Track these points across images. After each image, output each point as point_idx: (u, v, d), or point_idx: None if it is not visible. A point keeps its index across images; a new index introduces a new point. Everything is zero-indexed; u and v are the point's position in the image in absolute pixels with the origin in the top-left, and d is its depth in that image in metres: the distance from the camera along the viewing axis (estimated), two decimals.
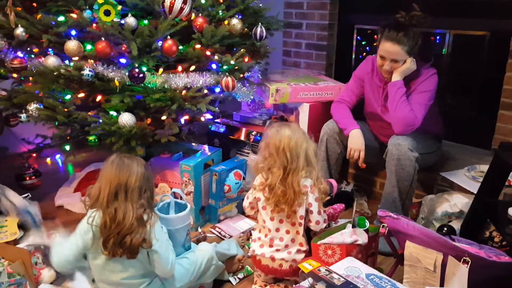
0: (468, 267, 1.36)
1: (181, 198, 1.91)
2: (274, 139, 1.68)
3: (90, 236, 1.47)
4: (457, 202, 2.13)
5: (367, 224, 1.72)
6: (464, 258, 1.38)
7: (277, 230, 1.72)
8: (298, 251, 1.72)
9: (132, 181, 1.47)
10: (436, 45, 2.82)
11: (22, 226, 2.15)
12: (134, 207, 1.46)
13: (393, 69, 2.11)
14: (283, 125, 1.72)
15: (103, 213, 1.46)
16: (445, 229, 1.99)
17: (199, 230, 2.21)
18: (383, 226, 1.67)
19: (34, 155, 2.50)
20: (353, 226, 1.70)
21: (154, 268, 1.54)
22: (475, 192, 1.93)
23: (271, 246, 1.74)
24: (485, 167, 1.97)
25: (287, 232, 1.72)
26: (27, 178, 2.33)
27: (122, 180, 1.47)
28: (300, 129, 1.73)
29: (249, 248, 2.07)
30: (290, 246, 1.72)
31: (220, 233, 2.22)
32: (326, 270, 1.45)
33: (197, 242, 2.10)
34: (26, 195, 2.19)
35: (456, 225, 2.02)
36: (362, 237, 1.65)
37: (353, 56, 3.22)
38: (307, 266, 1.50)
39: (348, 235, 1.65)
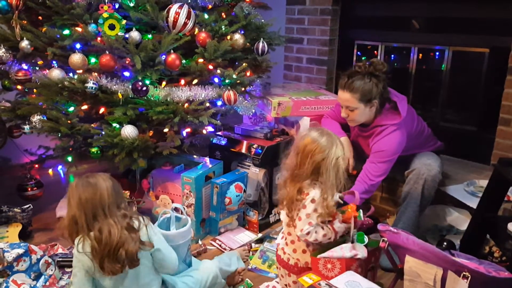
0: (467, 282, 1.36)
1: (181, 213, 1.92)
2: (297, 141, 1.68)
3: (89, 264, 1.44)
4: (446, 216, 2.15)
5: (366, 239, 1.71)
6: (464, 273, 1.38)
7: (288, 225, 1.73)
8: (304, 251, 1.72)
9: (105, 197, 1.45)
10: (435, 61, 2.85)
11: (23, 236, 2.16)
12: (116, 220, 1.45)
13: (350, 117, 2.09)
14: (314, 130, 1.68)
15: (88, 237, 1.43)
16: (445, 243, 2.00)
17: (200, 242, 2.22)
18: (383, 240, 1.68)
19: (36, 166, 2.51)
20: (352, 242, 1.70)
21: (161, 268, 1.56)
22: (475, 207, 1.94)
23: (285, 238, 1.76)
24: (484, 182, 1.98)
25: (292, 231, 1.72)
26: (29, 189, 2.34)
27: (95, 200, 1.44)
28: (327, 138, 1.64)
29: (250, 260, 2.08)
30: (295, 243, 1.72)
31: (220, 245, 2.22)
32: (326, 284, 1.45)
33: (197, 254, 2.11)
34: (27, 206, 2.20)
35: (455, 240, 2.03)
36: (361, 252, 1.65)
37: None
38: (308, 280, 1.50)
39: (348, 249, 1.65)
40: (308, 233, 1.63)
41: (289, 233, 1.74)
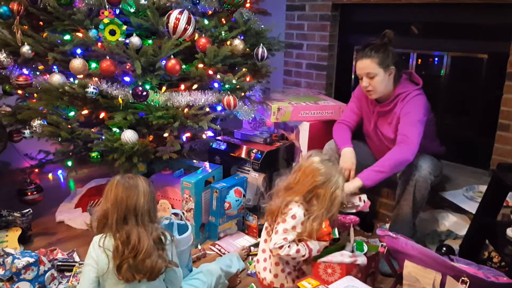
0: (466, 287, 1.37)
1: (181, 218, 1.92)
2: (302, 160, 1.72)
3: (105, 262, 1.42)
4: (445, 221, 2.14)
5: (365, 248, 1.71)
6: (463, 278, 1.38)
7: (265, 241, 1.73)
8: (264, 269, 1.73)
9: (141, 204, 1.44)
10: (434, 67, 2.87)
11: (22, 241, 2.16)
12: (148, 230, 1.43)
13: (371, 85, 2.11)
14: (322, 155, 1.72)
15: (114, 237, 1.42)
16: (444, 248, 2.00)
17: (199, 247, 2.22)
18: (382, 245, 1.68)
19: (36, 170, 2.52)
20: (352, 251, 1.70)
21: (171, 284, 1.54)
22: (474, 212, 1.95)
23: (260, 254, 1.77)
24: (483, 188, 1.99)
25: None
26: (29, 193, 2.34)
27: (130, 204, 1.43)
28: (333, 168, 1.66)
29: (250, 265, 2.09)
30: (266, 261, 1.73)
31: (220, 250, 2.22)
32: None
33: (197, 259, 2.11)
34: (27, 210, 2.20)
35: (454, 245, 2.04)
36: (361, 259, 1.66)
37: (353, 76, 3.26)
38: (307, 285, 1.50)
39: (348, 255, 1.66)
40: (281, 247, 1.60)
41: (263, 250, 1.74)
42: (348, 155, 2.18)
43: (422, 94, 2.13)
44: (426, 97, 2.15)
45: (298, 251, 1.61)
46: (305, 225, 1.62)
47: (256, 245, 2.26)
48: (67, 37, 2.06)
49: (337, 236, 1.69)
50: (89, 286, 1.46)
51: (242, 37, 2.37)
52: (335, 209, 1.66)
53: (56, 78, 2.06)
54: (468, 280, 1.37)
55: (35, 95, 2.21)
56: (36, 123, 2.16)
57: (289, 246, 1.60)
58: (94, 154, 2.12)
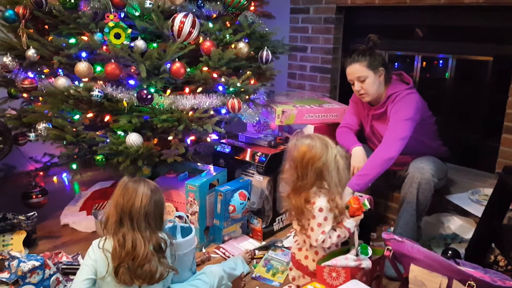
0: None
1: (185, 222, 1.92)
2: (291, 152, 1.71)
3: (104, 264, 1.43)
4: (450, 225, 2.13)
5: (370, 252, 1.71)
6: (469, 282, 1.38)
7: (301, 232, 1.76)
8: (313, 260, 1.74)
9: (136, 208, 1.42)
10: (439, 69, 2.86)
11: (27, 244, 2.17)
12: (145, 236, 1.43)
13: (363, 89, 2.17)
14: (304, 138, 1.71)
15: (112, 239, 1.43)
16: (450, 252, 1.99)
17: (203, 250, 2.21)
18: (388, 249, 1.67)
19: (41, 173, 2.53)
20: (356, 255, 1.70)
21: (167, 282, 1.56)
22: (479, 216, 1.94)
23: (298, 244, 1.79)
24: (489, 191, 1.97)
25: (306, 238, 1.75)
26: (34, 197, 2.34)
27: (125, 207, 1.43)
28: (320, 141, 1.67)
29: (254, 268, 2.08)
30: (308, 251, 1.76)
31: (224, 253, 2.22)
32: None
33: (201, 262, 2.10)
34: (32, 213, 2.21)
35: (460, 248, 2.02)
36: (365, 262, 1.66)
37: None
38: None
39: (352, 259, 1.66)
40: (323, 241, 1.66)
41: (304, 241, 1.76)
42: (358, 153, 2.20)
43: (414, 93, 2.17)
44: (419, 95, 2.17)
45: (339, 236, 1.67)
46: (333, 207, 1.66)
47: (261, 248, 2.26)
48: (72, 40, 2.07)
49: (368, 206, 1.72)
50: (81, 284, 1.45)
51: (246, 40, 2.38)
52: (344, 174, 1.70)
53: (61, 81, 2.06)
54: (474, 284, 1.36)
55: (40, 98, 2.22)
56: (41, 126, 2.17)
57: (330, 237, 1.66)
58: (99, 157, 2.13)
